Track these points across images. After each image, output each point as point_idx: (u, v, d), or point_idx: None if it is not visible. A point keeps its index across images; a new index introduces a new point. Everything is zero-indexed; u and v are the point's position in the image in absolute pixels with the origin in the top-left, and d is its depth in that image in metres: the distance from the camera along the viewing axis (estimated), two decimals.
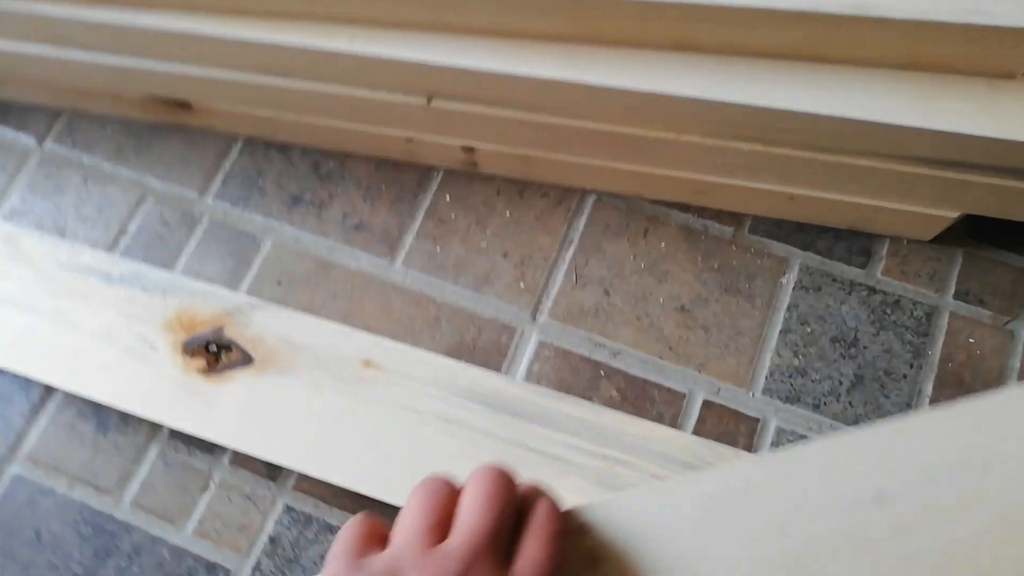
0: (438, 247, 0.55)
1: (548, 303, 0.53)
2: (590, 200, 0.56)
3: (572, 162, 0.54)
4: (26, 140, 0.61)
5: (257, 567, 0.48)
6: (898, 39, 0.43)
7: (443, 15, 0.47)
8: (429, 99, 0.51)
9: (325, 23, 0.49)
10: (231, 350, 0.49)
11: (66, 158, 0.60)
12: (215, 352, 0.49)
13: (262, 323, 0.50)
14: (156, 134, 0.61)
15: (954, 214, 0.49)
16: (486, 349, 0.52)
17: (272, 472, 0.50)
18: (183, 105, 0.58)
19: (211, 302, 0.51)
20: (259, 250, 0.56)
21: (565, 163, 0.54)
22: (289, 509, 0.49)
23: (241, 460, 0.50)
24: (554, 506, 0.31)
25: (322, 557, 0.48)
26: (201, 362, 0.49)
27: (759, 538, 0.34)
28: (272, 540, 0.48)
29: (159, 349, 0.50)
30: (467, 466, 0.40)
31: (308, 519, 0.49)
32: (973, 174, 0.46)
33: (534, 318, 0.53)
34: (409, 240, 0.56)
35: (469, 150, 0.55)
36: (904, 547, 0.33)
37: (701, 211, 0.55)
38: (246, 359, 0.49)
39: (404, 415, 0.46)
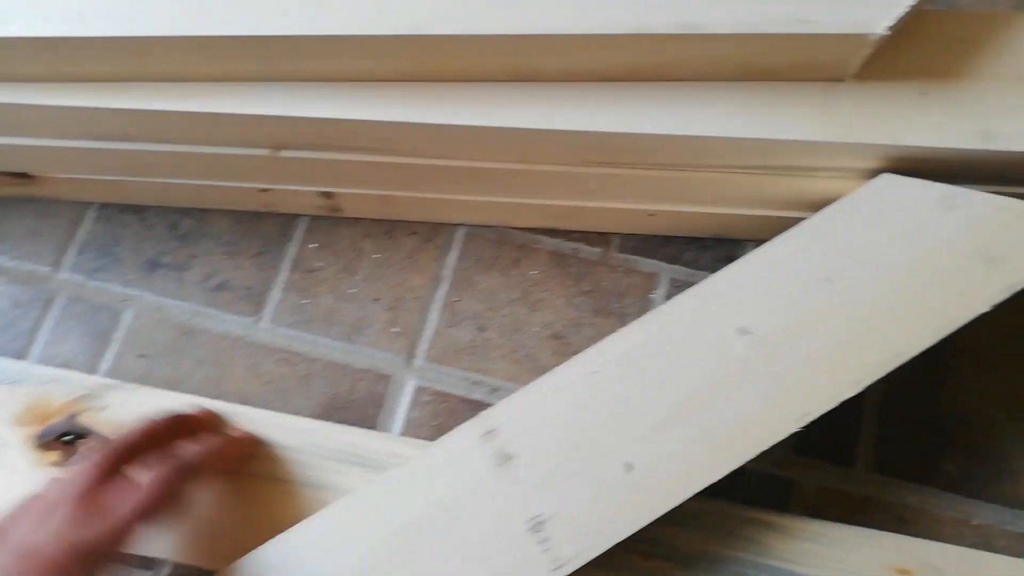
0: (306, 299, 0.53)
1: (423, 345, 0.52)
2: (460, 234, 0.55)
3: (435, 198, 0.53)
4: None
5: None
6: (728, 53, 0.43)
7: (275, 65, 0.45)
8: (274, 150, 0.49)
9: (156, 82, 0.47)
10: (87, 437, 0.47)
11: None
12: (71, 442, 0.47)
13: (119, 404, 0.47)
14: (3, 208, 0.57)
15: (808, 215, 0.50)
16: (362, 402, 0.51)
17: (146, 562, 0.47)
18: (23, 176, 0.55)
19: (63, 388, 0.48)
20: (119, 323, 0.53)
21: (428, 200, 0.53)
22: None
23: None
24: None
25: None
26: (55, 455, 0.46)
27: (647, 402, 0.40)
28: None
29: (11, 446, 0.47)
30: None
31: None
32: (818, 176, 0.46)
33: (409, 363, 0.51)
34: (275, 295, 0.54)
35: (328, 195, 0.53)
36: (773, 368, 0.37)
37: (569, 234, 0.54)
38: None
39: (270, 487, 0.45)
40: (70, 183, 0.55)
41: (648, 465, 0.39)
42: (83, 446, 0.46)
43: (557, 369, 0.43)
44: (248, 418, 0.47)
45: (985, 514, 0.47)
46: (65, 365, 0.52)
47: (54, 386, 0.48)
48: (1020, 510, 0.47)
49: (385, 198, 0.53)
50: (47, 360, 0.52)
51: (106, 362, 0.52)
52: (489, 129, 0.45)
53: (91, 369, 0.52)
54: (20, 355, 0.53)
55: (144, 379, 0.51)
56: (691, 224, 0.52)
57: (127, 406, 0.47)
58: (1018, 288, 0.41)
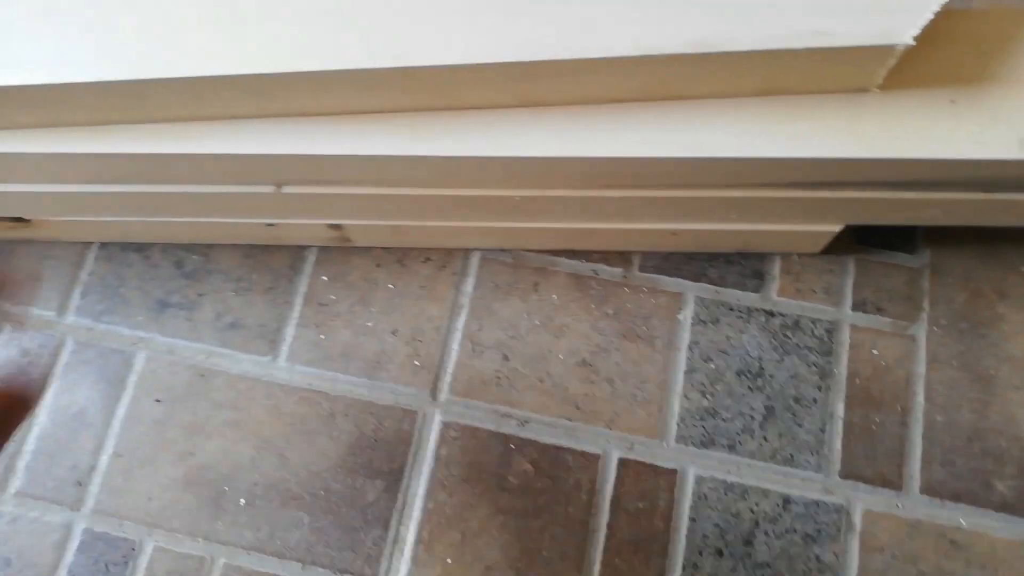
0: (322, 334, 0.52)
1: (447, 378, 0.51)
2: (475, 259, 0.53)
3: (447, 226, 0.51)
4: None
5: None
6: (746, 71, 0.41)
7: (272, 103, 0.43)
8: (278, 186, 0.47)
9: (152, 124, 0.45)
10: None
11: None
12: None
13: None
14: (2, 252, 0.55)
15: (837, 227, 0.48)
16: (390, 440, 0.49)
17: None
18: (18, 220, 0.53)
19: None
20: (131, 367, 0.52)
21: (440, 228, 0.51)
22: None
23: None
24: None
25: None
26: None
27: None
28: None
29: None
30: None
31: None
32: (845, 190, 0.45)
33: (434, 397, 0.50)
34: (290, 332, 0.52)
35: (336, 227, 0.51)
36: None
37: (588, 255, 0.53)
38: None
39: None
40: (67, 225, 0.53)
41: None
42: None
43: None
44: None
45: None
46: (81, 413, 0.51)
47: None
48: None
49: (395, 228, 0.51)
50: (62, 409, 0.51)
51: (123, 407, 0.51)
52: (499, 159, 0.43)
53: (108, 416, 0.51)
54: (24, 411, 0.51)
55: (163, 424, 0.50)
56: (715, 241, 0.50)
57: None
58: None
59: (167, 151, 0.44)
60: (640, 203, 0.47)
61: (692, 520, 0.47)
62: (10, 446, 0.50)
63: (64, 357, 0.53)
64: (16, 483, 0.50)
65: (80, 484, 0.50)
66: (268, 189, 0.47)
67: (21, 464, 0.50)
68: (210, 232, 0.53)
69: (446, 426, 0.50)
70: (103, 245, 0.55)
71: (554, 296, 0.52)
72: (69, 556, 0.48)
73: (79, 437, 0.51)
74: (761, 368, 0.49)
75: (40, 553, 0.48)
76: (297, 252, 0.54)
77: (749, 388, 0.49)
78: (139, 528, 0.48)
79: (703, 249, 0.52)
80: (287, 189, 0.47)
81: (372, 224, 0.51)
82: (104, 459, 0.50)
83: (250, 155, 0.44)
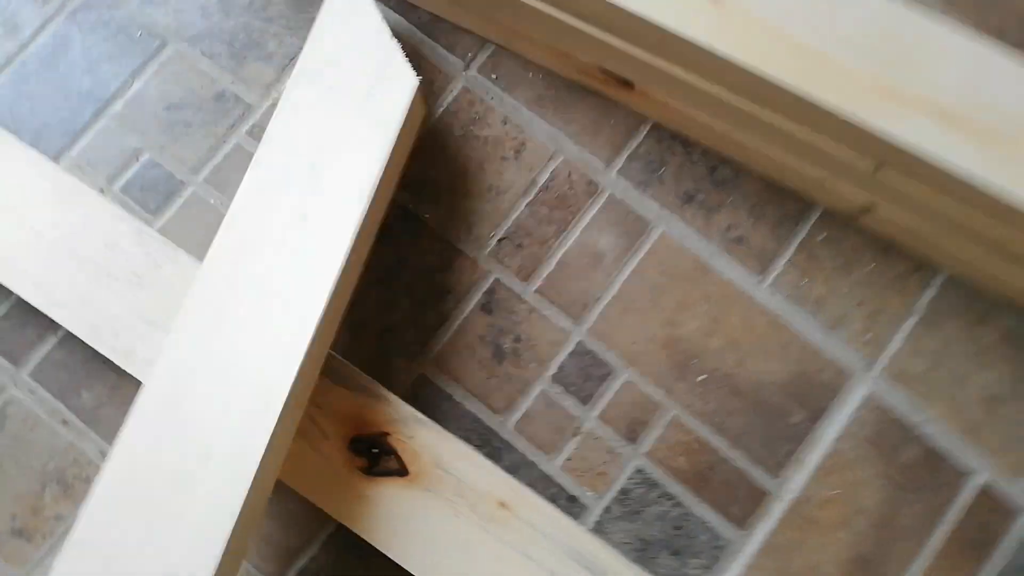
0: (804, 279, 0.63)
1: (884, 360, 0.62)
2: (939, 278, 0.63)
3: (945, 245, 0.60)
4: (453, 61, 0.66)
5: (607, 510, 0.62)
6: None
7: None
8: (877, 167, 0.55)
9: None
10: (390, 457, 0.57)
11: (487, 89, 0.65)
12: (376, 455, 0.57)
13: (422, 440, 0.57)
14: (574, 93, 0.65)
15: None
16: (820, 386, 0.62)
17: (631, 434, 0.62)
18: (626, 83, 0.62)
19: (384, 407, 0.58)
20: (648, 236, 0.64)
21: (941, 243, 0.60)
22: (640, 471, 0.62)
23: (608, 417, 0.62)
24: None
25: (660, 518, 0.61)
26: (361, 461, 0.57)
27: None
28: (623, 492, 0.62)
29: (330, 439, 0.58)
30: None
31: (654, 484, 0.62)
32: None
33: (869, 370, 0.62)
34: (780, 265, 0.63)
35: (867, 210, 0.61)
36: None
37: None
38: (401, 470, 0.57)
39: (522, 563, 0.56)
40: (654, 102, 0.62)
41: None
42: (384, 462, 0.58)
43: None
44: (518, 494, 0.57)
45: None
46: (599, 254, 0.63)
47: (376, 401, 0.58)
48: None
49: (915, 232, 0.60)
50: (587, 244, 0.64)
51: (633, 262, 0.64)
52: None
53: (620, 265, 0.63)
54: (560, 228, 0.64)
55: (660, 290, 0.63)
56: None
57: (429, 445, 0.58)
58: None
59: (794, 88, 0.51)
60: None
61: None
62: (544, 251, 0.63)
63: (600, 201, 0.64)
64: (537, 283, 0.64)
65: (585, 306, 0.64)
66: (867, 166, 0.55)
67: (544, 271, 0.64)
68: (756, 158, 0.63)
69: (866, 398, 0.62)
70: (656, 126, 0.65)
71: (993, 336, 0.62)
72: (562, 357, 0.63)
73: (594, 271, 0.64)
74: None
75: (544, 345, 0.63)
76: (807, 204, 0.64)
77: None
78: (620, 359, 0.63)
79: None
80: (884, 173, 0.55)
81: (909, 219, 0.59)
82: (608, 296, 0.64)
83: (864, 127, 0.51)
